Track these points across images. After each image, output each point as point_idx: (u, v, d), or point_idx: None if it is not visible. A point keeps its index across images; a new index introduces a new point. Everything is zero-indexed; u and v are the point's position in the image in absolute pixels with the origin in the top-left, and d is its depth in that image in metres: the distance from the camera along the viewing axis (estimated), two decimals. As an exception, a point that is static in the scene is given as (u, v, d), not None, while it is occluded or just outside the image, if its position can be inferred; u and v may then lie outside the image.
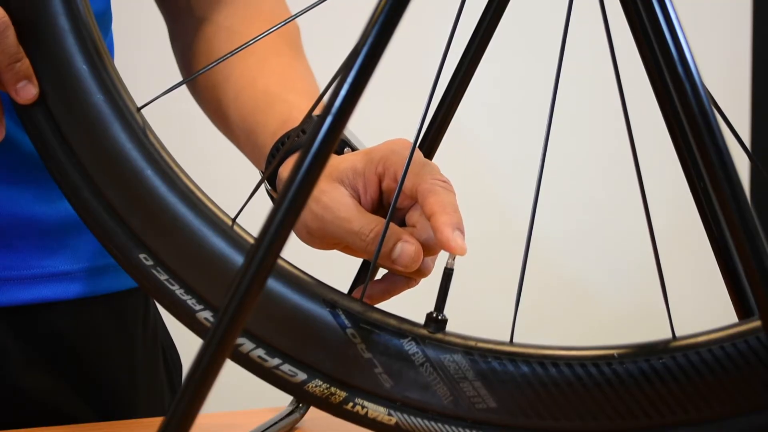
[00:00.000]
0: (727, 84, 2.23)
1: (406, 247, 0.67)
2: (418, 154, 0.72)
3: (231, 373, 0.64)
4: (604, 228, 2.19)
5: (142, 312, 0.95)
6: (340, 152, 0.76)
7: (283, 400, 0.79)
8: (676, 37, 0.53)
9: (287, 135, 0.78)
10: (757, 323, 0.60)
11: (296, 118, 0.79)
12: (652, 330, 0.85)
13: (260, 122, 0.82)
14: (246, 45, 0.71)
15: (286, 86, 0.85)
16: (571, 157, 2.11)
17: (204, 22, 0.93)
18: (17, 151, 0.85)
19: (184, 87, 0.90)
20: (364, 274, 0.74)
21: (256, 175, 0.83)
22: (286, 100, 0.83)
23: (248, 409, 0.88)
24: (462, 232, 0.66)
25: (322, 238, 0.72)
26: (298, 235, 0.73)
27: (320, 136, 0.52)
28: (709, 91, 0.54)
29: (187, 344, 0.78)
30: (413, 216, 0.70)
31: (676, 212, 1.47)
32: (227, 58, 0.74)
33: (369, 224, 0.68)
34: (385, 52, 0.52)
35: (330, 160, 0.72)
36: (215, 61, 0.76)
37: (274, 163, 0.77)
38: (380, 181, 0.71)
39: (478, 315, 1.64)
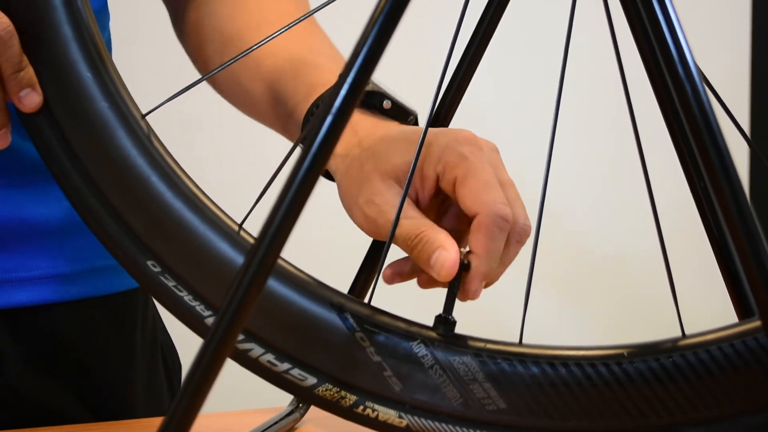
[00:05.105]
0: (727, 84, 2.23)
1: (443, 255, 0.64)
2: (499, 165, 0.68)
3: (231, 373, 0.63)
4: (609, 227, 2.19)
5: (141, 313, 0.95)
6: (379, 106, 0.73)
7: (283, 400, 0.79)
8: (676, 37, 0.53)
9: (320, 98, 0.75)
10: (757, 323, 0.60)
11: (328, 81, 0.76)
12: (656, 329, 0.85)
13: (289, 89, 0.79)
14: (257, 45, 0.71)
15: (313, 51, 0.83)
16: (571, 157, 2.11)
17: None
18: (15, 154, 0.84)
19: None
20: (364, 274, 0.73)
21: (261, 179, 0.82)
22: (317, 65, 0.79)
23: (248, 409, 0.88)
24: (490, 284, 0.66)
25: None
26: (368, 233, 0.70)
27: (320, 136, 0.52)
28: (712, 86, 0.54)
29: (188, 345, 0.78)
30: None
31: (676, 212, 1.47)
32: (246, 52, 0.73)
33: (415, 229, 0.65)
34: (385, 52, 0.52)
35: (379, 155, 0.69)
36: (236, 57, 0.73)
37: (303, 133, 0.74)
38: (438, 179, 0.68)
39: (487, 316, 1.64)
